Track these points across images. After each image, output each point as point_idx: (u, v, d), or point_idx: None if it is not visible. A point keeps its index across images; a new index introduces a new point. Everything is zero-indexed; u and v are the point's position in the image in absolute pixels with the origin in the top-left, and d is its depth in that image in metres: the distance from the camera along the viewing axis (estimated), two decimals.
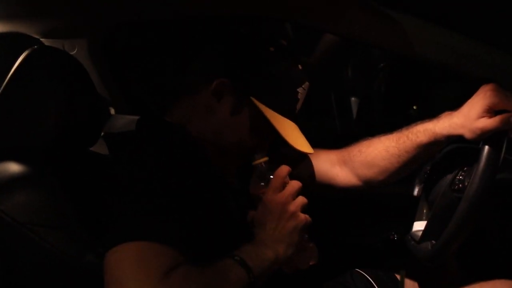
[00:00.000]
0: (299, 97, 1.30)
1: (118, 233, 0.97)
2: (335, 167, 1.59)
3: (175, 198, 1.04)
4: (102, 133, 1.37)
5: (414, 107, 2.75)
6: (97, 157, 1.44)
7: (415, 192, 1.51)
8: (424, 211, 1.45)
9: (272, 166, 1.22)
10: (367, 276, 1.58)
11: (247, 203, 1.25)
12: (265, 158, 1.23)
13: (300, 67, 1.30)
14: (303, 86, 1.30)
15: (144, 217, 0.99)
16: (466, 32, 1.33)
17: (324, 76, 2.72)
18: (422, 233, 1.38)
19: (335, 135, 2.68)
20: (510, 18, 1.33)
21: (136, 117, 1.31)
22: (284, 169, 1.19)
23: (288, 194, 1.17)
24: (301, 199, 1.18)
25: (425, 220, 1.42)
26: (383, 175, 1.50)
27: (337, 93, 2.82)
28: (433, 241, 1.33)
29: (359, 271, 1.60)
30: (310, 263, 1.24)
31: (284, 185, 1.19)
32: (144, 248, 0.94)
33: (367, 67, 2.81)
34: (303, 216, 1.17)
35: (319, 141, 1.53)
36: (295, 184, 1.19)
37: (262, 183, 1.22)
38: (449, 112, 1.34)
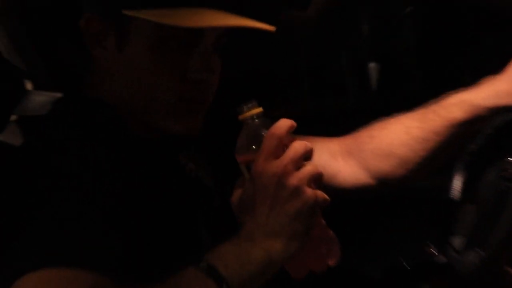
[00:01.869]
0: None
1: (21, 261, 0.82)
2: (337, 159, 1.37)
3: (93, 208, 0.89)
4: (14, 117, 1.25)
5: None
6: (4, 148, 1.27)
7: (455, 183, 1.28)
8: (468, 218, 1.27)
9: (269, 121, 0.94)
10: None
11: (216, 187, 1.13)
12: (258, 109, 0.95)
13: None
14: None
15: (53, 237, 0.85)
16: None
17: (331, 36, 2.43)
18: (466, 239, 1.22)
19: (349, 115, 2.40)
20: None
21: (60, 94, 1.16)
22: (283, 124, 0.91)
23: (287, 161, 0.88)
24: (310, 169, 0.90)
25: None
26: (403, 167, 1.31)
27: (350, 57, 2.54)
28: (480, 251, 1.18)
29: None
30: (329, 263, 0.96)
31: (283, 149, 0.90)
32: (52, 276, 0.80)
33: (388, 17, 2.51)
34: (310, 193, 0.89)
35: (327, 123, 1.37)
36: (298, 146, 0.90)
37: (254, 146, 0.93)
38: (492, 77, 1.25)
